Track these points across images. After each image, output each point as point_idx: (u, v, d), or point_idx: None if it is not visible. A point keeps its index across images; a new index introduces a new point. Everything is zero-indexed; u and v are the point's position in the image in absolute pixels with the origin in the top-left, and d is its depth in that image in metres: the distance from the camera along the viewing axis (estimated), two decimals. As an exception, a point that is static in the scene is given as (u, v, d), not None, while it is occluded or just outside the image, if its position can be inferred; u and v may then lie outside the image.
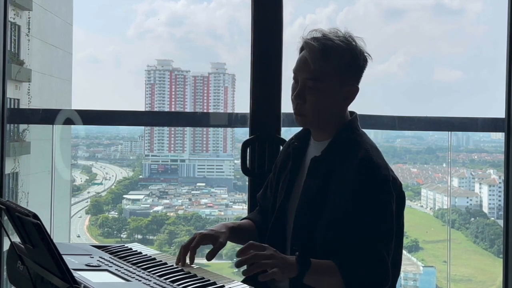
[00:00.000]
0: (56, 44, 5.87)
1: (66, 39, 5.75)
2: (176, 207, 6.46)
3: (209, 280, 1.53)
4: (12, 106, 4.36)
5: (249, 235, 1.96)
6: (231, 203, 6.40)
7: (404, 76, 6.67)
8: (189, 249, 1.73)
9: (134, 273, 1.58)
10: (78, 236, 6.29)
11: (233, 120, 2.98)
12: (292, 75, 1.86)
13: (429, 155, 6.00)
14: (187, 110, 6.00)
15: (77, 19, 6.01)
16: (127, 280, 1.52)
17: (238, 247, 1.69)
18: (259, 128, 2.72)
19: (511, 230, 2.87)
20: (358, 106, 1.90)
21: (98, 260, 1.67)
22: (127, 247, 1.85)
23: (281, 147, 2.15)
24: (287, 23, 2.78)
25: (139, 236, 6.34)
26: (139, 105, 5.86)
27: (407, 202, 1.90)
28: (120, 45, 7.50)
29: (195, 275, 1.58)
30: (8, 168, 3.62)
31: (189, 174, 6.39)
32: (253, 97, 2.74)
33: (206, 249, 1.79)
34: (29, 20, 5.14)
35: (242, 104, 3.34)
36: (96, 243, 2.30)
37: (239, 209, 6.27)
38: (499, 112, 2.93)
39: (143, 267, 1.64)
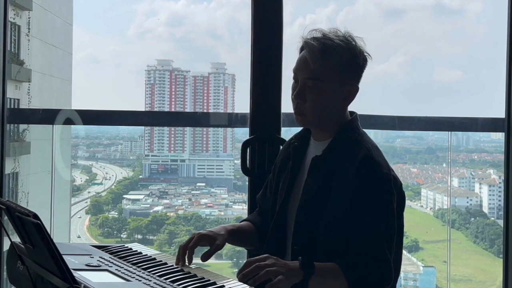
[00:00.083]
0: (56, 44, 5.87)
1: (66, 39, 5.75)
2: (176, 207, 6.46)
3: (209, 280, 1.53)
4: (12, 106, 4.36)
5: (249, 237, 1.96)
6: (231, 203, 6.40)
7: (404, 76, 6.67)
8: (187, 249, 1.73)
9: (134, 273, 1.58)
10: (79, 237, 6.29)
11: (233, 120, 2.98)
12: (292, 75, 1.86)
13: (429, 155, 6.01)
14: (187, 110, 6.00)
15: (77, 19, 6.01)
16: (127, 280, 1.52)
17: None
18: (259, 128, 2.72)
19: (511, 230, 2.87)
20: (358, 106, 1.90)
21: (98, 260, 1.67)
22: (127, 247, 1.85)
23: (281, 147, 2.15)
24: (287, 23, 2.78)
25: (139, 236, 6.34)
26: (139, 105, 5.86)
27: (407, 202, 1.90)
28: (120, 45, 7.50)
29: (195, 275, 1.58)
30: (8, 168, 3.62)
31: (189, 174, 6.39)
32: (253, 97, 2.74)
33: (206, 249, 1.80)
34: (29, 20, 5.15)
35: (242, 104, 3.34)
36: (96, 243, 2.30)
37: (239, 209, 6.27)
38: (499, 112, 2.93)
39: (143, 267, 1.64)
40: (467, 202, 5.99)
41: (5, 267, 1.80)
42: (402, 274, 4.22)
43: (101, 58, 7.42)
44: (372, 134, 2.53)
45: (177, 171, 6.37)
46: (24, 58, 5.14)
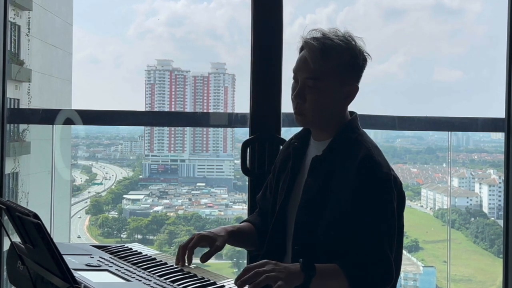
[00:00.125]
0: (56, 44, 5.87)
1: (66, 39, 5.76)
2: (176, 207, 6.46)
3: (209, 280, 1.53)
4: (12, 106, 4.36)
5: (249, 238, 1.96)
6: (231, 203, 6.40)
7: (404, 76, 6.68)
8: (186, 249, 1.74)
9: (134, 273, 1.58)
10: (79, 237, 6.29)
11: (233, 120, 2.98)
12: (292, 75, 1.86)
13: (429, 155, 6.01)
14: (187, 110, 6.00)
15: (77, 19, 6.02)
16: (127, 280, 1.52)
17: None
18: (259, 128, 2.72)
19: (511, 230, 2.87)
20: (358, 106, 1.90)
21: (98, 260, 1.67)
22: (127, 247, 1.85)
23: (281, 147, 2.15)
24: (287, 23, 2.78)
25: (139, 236, 6.34)
26: (139, 105, 5.87)
27: (407, 202, 1.90)
28: (120, 45, 7.51)
29: (195, 275, 1.58)
30: (8, 168, 3.62)
31: (189, 174, 6.39)
32: (253, 97, 2.74)
33: (205, 250, 1.80)
34: (29, 20, 5.15)
35: (242, 104, 3.35)
36: (96, 243, 2.30)
37: (239, 209, 6.27)
38: (499, 112, 2.93)
39: (143, 267, 1.64)
40: (467, 202, 5.99)
41: (5, 267, 1.80)
42: (402, 274, 4.22)
43: (101, 58, 7.43)
44: (372, 134, 2.53)
45: (177, 171, 6.37)
46: (24, 58, 5.14)
